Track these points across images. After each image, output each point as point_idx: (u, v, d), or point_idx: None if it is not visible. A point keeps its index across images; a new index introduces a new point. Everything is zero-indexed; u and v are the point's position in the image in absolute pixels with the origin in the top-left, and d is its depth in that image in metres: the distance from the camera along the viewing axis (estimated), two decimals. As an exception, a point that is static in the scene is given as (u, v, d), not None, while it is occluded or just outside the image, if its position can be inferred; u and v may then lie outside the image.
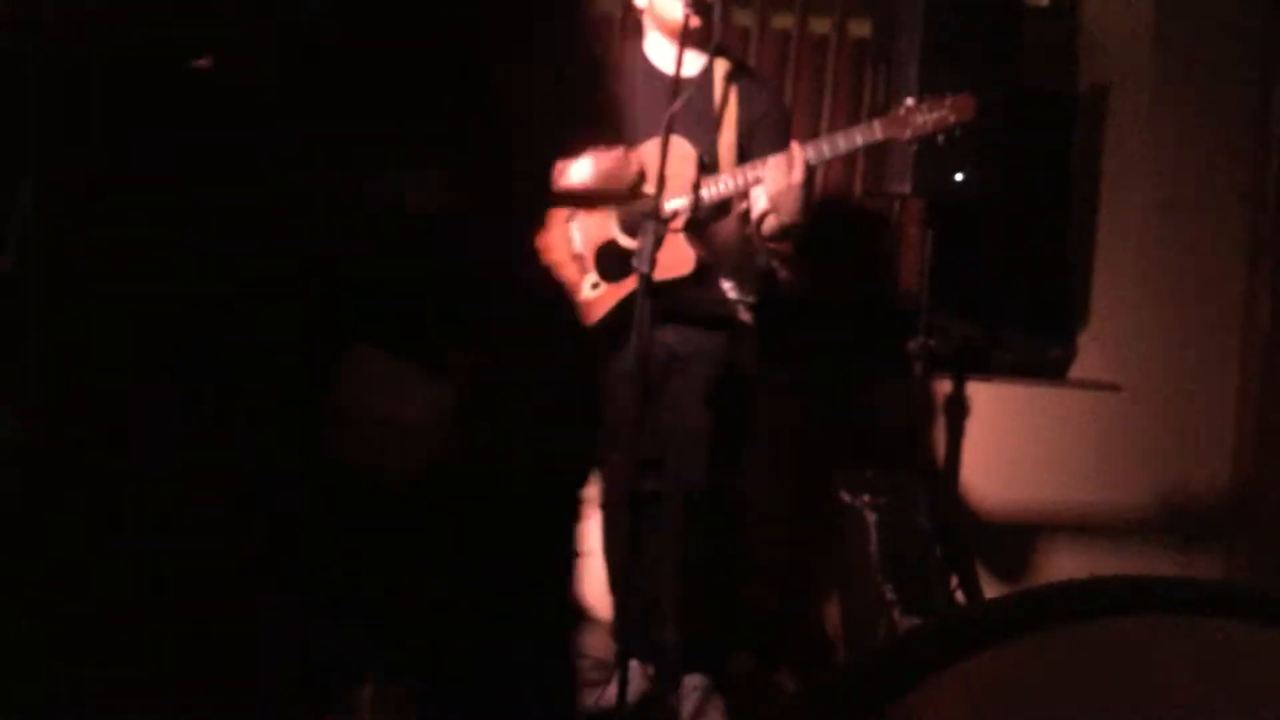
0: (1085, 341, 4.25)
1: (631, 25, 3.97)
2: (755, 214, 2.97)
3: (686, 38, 2.73)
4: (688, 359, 2.97)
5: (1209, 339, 4.01)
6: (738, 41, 4.13)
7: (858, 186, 4.22)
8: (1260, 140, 3.94)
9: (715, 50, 2.96)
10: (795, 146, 2.81)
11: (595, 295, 3.01)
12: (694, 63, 2.89)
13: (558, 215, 3.07)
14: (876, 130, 2.82)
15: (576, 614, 1.92)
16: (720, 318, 3.03)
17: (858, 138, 2.83)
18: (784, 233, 2.97)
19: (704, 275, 2.94)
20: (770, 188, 2.81)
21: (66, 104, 1.38)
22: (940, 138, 2.82)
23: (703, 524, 2.99)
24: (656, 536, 3.00)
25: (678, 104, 2.62)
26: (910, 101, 2.82)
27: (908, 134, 2.81)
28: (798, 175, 2.79)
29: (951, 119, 2.79)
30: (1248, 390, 3.96)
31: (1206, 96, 4.00)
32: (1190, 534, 3.94)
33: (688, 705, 3.02)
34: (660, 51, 3.01)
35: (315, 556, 2.04)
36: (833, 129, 4.11)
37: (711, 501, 2.99)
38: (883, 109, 3.32)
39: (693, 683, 3.05)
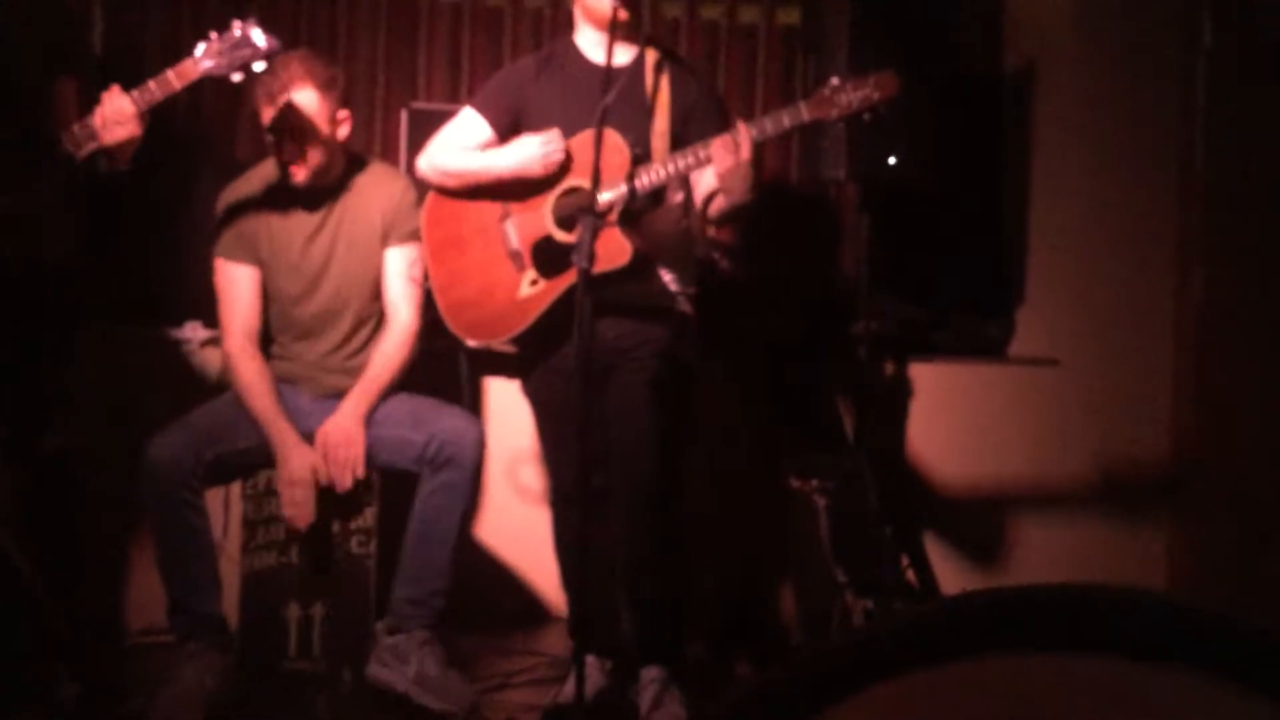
0: (1023, 318, 4.29)
1: (564, 18, 3.97)
2: (700, 196, 2.98)
3: (616, 30, 2.73)
4: (630, 352, 2.97)
5: (1144, 311, 4.07)
6: (667, 33, 4.13)
7: (794, 173, 4.24)
8: (1185, 111, 4.00)
9: (645, 41, 2.96)
10: (741, 124, 2.82)
11: (534, 292, 3.00)
12: (625, 53, 2.89)
13: (492, 214, 3.05)
14: (803, 112, 2.84)
15: None
16: (661, 309, 3.03)
17: (785, 120, 2.85)
18: (733, 213, 2.98)
19: (643, 266, 2.93)
20: (719, 166, 2.81)
21: None
22: (866, 116, 2.83)
23: (651, 516, 2.99)
24: (607, 531, 2.99)
25: (610, 96, 2.62)
26: (835, 81, 2.83)
27: (834, 113, 2.82)
28: (745, 152, 2.79)
29: (876, 96, 2.81)
30: (1183, 360, 4.02)
31: (1131, 71, 4.06)
32: (1133, 502, 4.00)
33: (646, 697, 3.02)
34: (592, 44, 3.01)
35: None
36: (763, 115, 4.13)
37: (659, 492, 2.99)
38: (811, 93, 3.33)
39: (650, 675, 3.05)
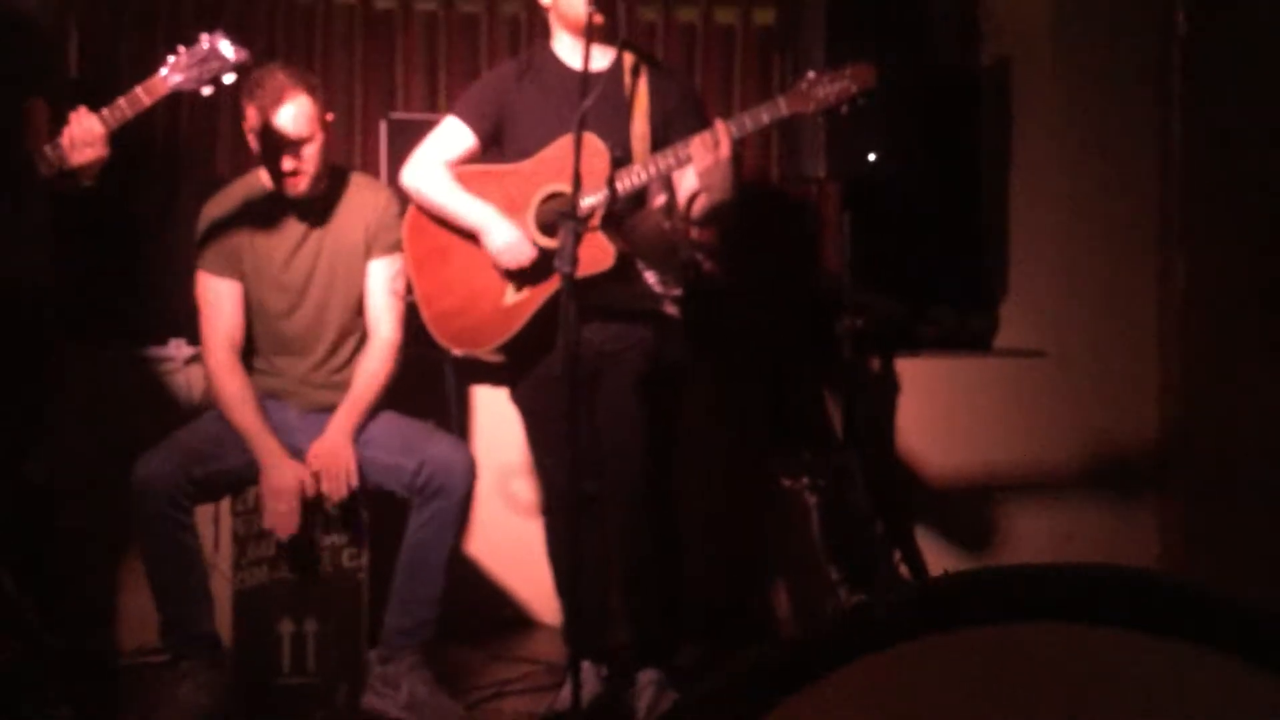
0: (1007, 311, 4.31)
1: (540, 25, 3.97)
2: (683, 197, 2.98)
3: (592, 34, 2.73)
4: (616, 355, 2.97)
5: (1128, 299, 4.09)
6: (643, 36, 4.13)
7: (775, 173, 4.25)
8: (1162, 100, 4.02)
9: (621, 44, 2.96)
10: (720, 122, 2.82)
11: (519, 299, 3.00)
12: (602, 58, 2.89)
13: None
14: (781, 106, 2.84)
15: None
16: (646, 311, 3.03)
17: (764, 115, 2.85)
18: (714, 212, 2.98)
19: (626, 269, 2.94)
20: (699, 165, 2.81)
21: None
22: (844, 109, 2.83)
23: (644, 519, 2.99)
24: (599, 535, 2.99)
25: (588, 101, 2.61)
26: (811, 75, 2.83)
27: (811, 107, 2.83)
28: (725, 150, 2.80)
29: (853, 88, 2.81)
30: (1168, 347, 4.04)
31: (1107, 61, 4.08)
32: (1122, 489, 4.01)
33: (643, 700, 3.01)
34: (569, 50, 3.01)
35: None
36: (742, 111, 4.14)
37: (651, 496, 2.99)
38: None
39: (647, 678, 3.05)
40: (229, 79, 2.79)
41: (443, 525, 3.06)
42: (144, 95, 2.73)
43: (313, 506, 3.05)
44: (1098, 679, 0.80)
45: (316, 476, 3.04)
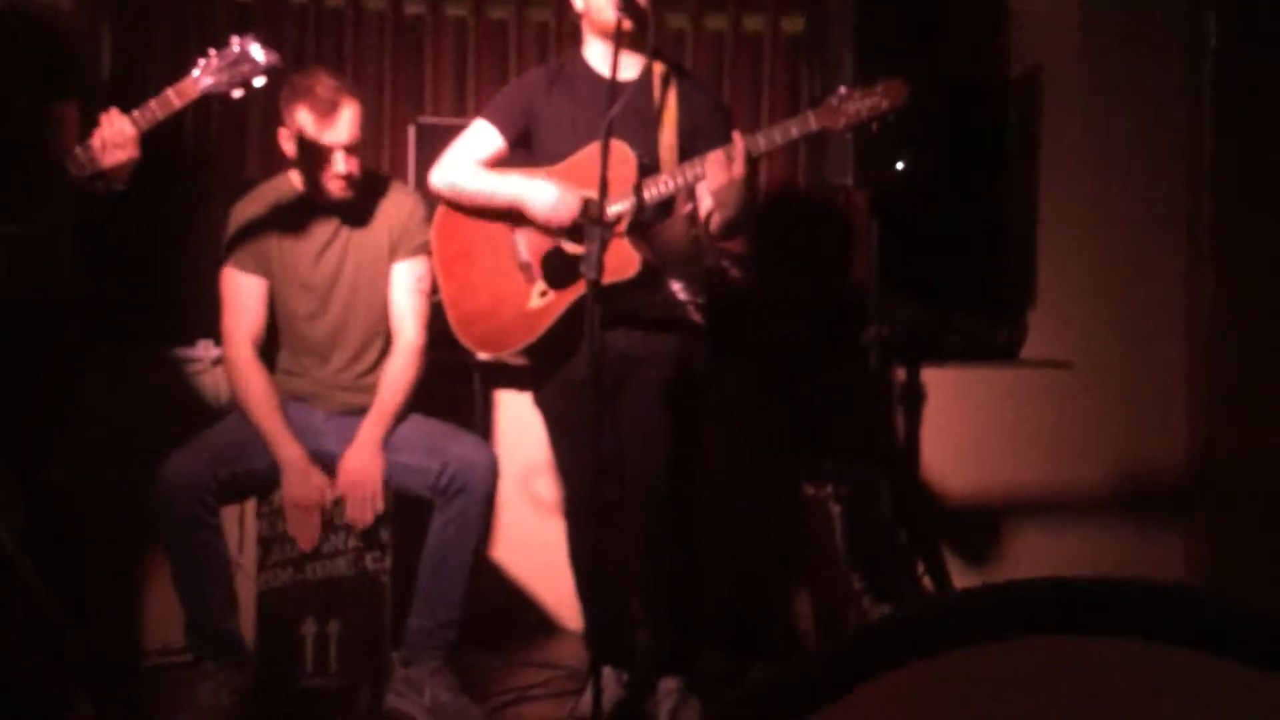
0: (1034, 321, 4.29)
1: (569, 31, 3.99)
2: (703, 212, 2.98)
3: (620, 40, 2.74)
4: (641, 362, 2.97)
5: (1155, 311, 4.06)
6: (672, 43, 4.14)
7: (801, 180, 4.24)
8: (1192, 112, 3.99)
9: (652, 53, 2.96)
10: (736, 138, 2.82)
11: (544, 303, 3.00)
12: (632, 66, 2.90)
13: (502, 226, 3.06)
14: (811, 121, 2.84)
15: None
16: (671, 319, 3.03)
17: (793, 129, 2.85)
18: (728, 229, 2.98)
19: (652, 277, 2.94)
20: (711, 183, 2.82)
21: None
22: (874, 125, 2.83)
23: (666, 526, 2.99)
24: (622, 541, 2.99)
25: (615, 108, 2.62)
26: (843, 90, 2.83)
27: (842, 122, 2.82)
28: (738, 168, 2.80)
29: (884, 105, 2.81)
30: (1196, 359, 4.01)
31: (1136, 73, 4.05)
32: (1148, 507, 3.98)
33: (664, 709, 3.01)
34: (600, 57, 3.01)
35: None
36: (771, 126, 4.13)
37: (673, 503, 2.99)
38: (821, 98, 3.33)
39: (668, 686, 3.04)
40: (259, 82, 2.81)
41: (466, 524, 3.07)
42: (175, 97, 2.75)
43: (335, 523, 3.08)
44: (1112, 690, 0.80)
45: (342, 500, 3.07)
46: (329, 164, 3.07)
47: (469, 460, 3.08)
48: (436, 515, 3.09)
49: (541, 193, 2.95)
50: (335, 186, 3.11)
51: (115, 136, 2.72)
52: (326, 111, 3.04)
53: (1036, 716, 0.80)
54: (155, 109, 2.75)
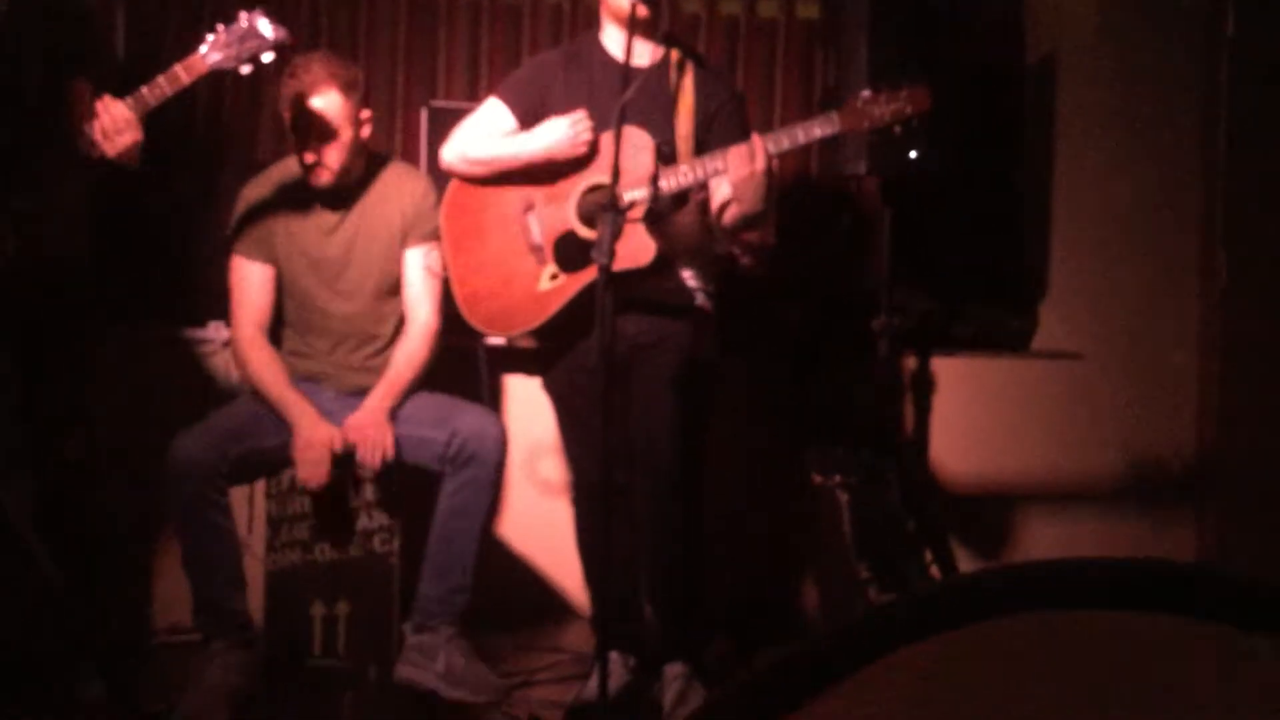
0: (1046, 311, 4.28)
1: (583, 15, 3.98)
2: (716, 204, 2.97)
3: (636, 26, 2.73)
4: (650, 349, 2.96)
5: (1167, 302, 4.05)
6: (687, 29, 4.12)
7: (814, 168, 4.23)
8: (1208, 101, 3.97)
9: (668, 41, 2.95)
10: (757, 137, 2.82)
11: (554, 286, 3.00)
12: (646, 53, 2.88)
13: (515, 206, 3.05)
14: (835, 122, 2.83)
15: None
16: (681, 306, 3.02)
17: (816, 130, 2.84)
18: (745, 222, 2.97)
19: (663, 265, 2.93)
20: (733, 176, 2.81)
21: None
22: (897, 128, 2.82)
23: (674, 512, 2.99)
24: (629, 527, 2.99)
25: (629, 93, 2.61)
26: (866, 94, 2.82)
27: (865, 125, 2.82)
28: (760, 164, 2.79)
29: (908, 110, 2.80)
30: (1208, 351, 3.99)
31: (1153, 62, 4.03)
32: (1158, 497, 3.97)
33: (669, 694, 3.02)
34: (616, 42, 3.00)
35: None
36: (785, 112, 4.12)
37: (681, 488, 2.99)
38: (837, 98, 3.31)
39: (674, 671, 3.05)
40: (268, 58, 2.80)
41: (476, 492, 3.07)
42: (183, 73, 2.74)
43: (347, 469, 3.07)
44: (1131, 663, 0.80)
45: (352, 448, 3.06)
46: (302, 150, 3.08)
47: (478, 429, 3.09)
48: (445, 485, 3.09)
49: (551, 129, 2.95)
50: (310, 174, 3.11)
51: (113, 123, 2.71)
52: (298, 97, 3.04)
53: (1033, 688, 0.81)
54: (164, 85, 2.74)
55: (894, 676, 0.81)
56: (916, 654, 0.81)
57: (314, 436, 3.04)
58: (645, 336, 2.96)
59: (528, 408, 3.67)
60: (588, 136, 2.93)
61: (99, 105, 2.72)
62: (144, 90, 2.73)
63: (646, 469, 2.96)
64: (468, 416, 3.14)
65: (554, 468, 3.75)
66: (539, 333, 3.07)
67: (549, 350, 3.13)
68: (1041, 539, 3.97)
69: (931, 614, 0.81)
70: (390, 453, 3.07)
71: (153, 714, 2.96)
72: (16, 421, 2.91)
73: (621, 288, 2.63)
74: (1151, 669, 0.80)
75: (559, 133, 2.94)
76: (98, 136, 2.71)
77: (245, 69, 2.79)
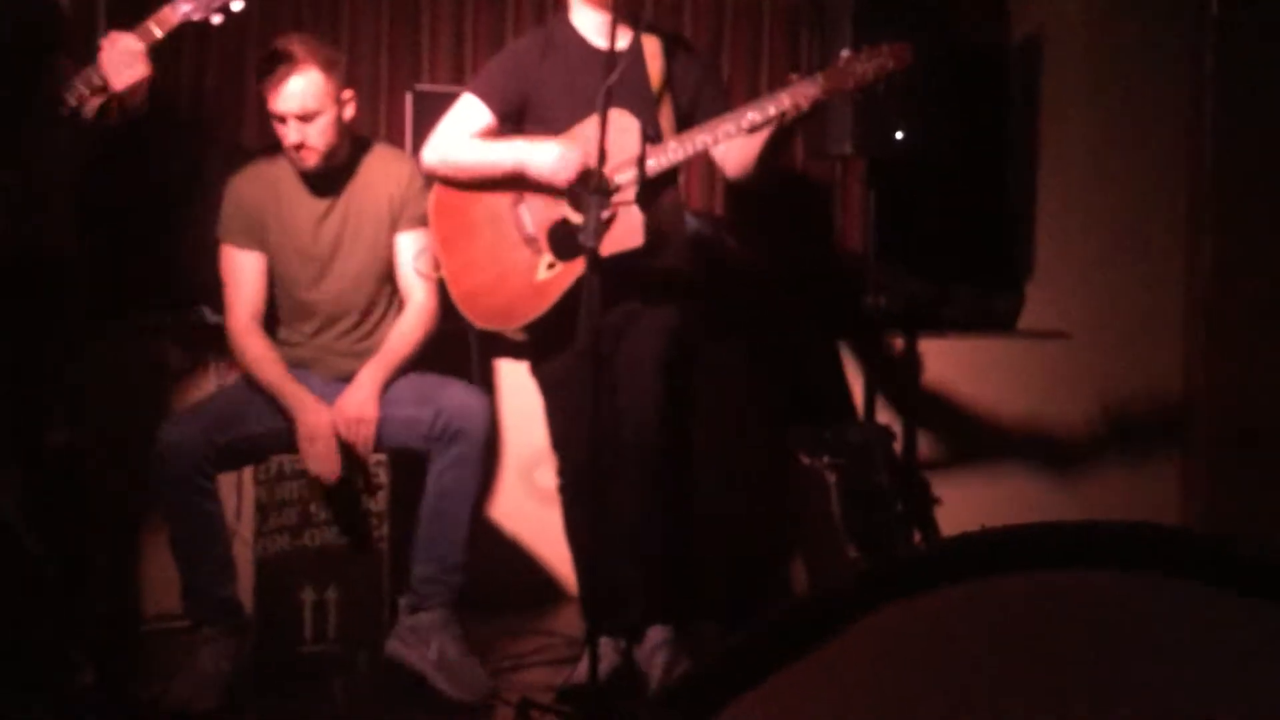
0: (1032, 291, 4.29)
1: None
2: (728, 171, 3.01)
3: (616, 9, 2.71)
4: (637, 331, 2.96)
5: (1154, 282, 4.06)
6: (669, 10, 4.11)
7: (799, 151, 4.22)
8: (1194, 80, 3.98)
9: (633, 20, 2.93)
10: (742, 107, 2.83)
11: (552, 275, 2.99)
12: (622, 36, 2.87)
13: (504, 200, 3.04)
14: (819, 82, 2.81)
15: None
16: (666, 286, 3.02)
17: (801, 93, 2.82)
18: (739, 183, 3.01)
19: (652, 246, 2.93)
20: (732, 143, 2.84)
21: None
22: (881, 86, 2.81)
23: (661, 495, 2.99)
24: (616, 510, 3.00)
25: (614, 76, 2.60)
26: (847, 53, 2.81)
27: (850, 84, 2.80)
28: (748, 126, 2.81)
29: (891, 64, 2.79)
30: (1193, 331, 4.01)
31: (1138, 41, 4.04)
32: (1144, 477, 3.99)
33: (656, 665, 3.01)
34: (589, 25, 2.99)
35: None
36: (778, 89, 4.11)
37: (665, 459, 2.99)
38: (821, 65, 3.32)
39: (656, 635, 3.05)
40: (237, 6, 2.76)
41: (465, 469, 3.06)
42: (155, 27, 2.71)
43: (350, 455, 3.07)
44: (1131, 625, 0.81)
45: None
46: (284, 134, 3.07)
47: (463, 405, 3.08)
48: (433, 464, 3.08)
49: (542, 153, 2.93)
50: (295, 157, 3.10)
51: (122, 55, 2.66)
52: (276, 80, 3.02)
53: (1053, 646, 0.81)
54: (153, 30, 2.71)
55: (872, 640, 0.81)
56: (896, 615, 0.81)
57: (317, 424, 3.03)
58: (632, 319, 2.96)
59: (519, 389, 3.64)
60: (570, 177, 2.90)
61: (104, 41, 2.69)
62: (149, 21, 2.70)
63: (632, 451, 2.96)
64: (452, 393, 3.13)
65: (550, 476, 3.70)
66: (538, 323, 3.05)
67: (541, 337, 3.13)
68: (1028, 518, 3.97)
69: (915, 574, 0.82)
70: (369, 448, 3.06)
71: (144, 701, 2.96)
72: (2, 411, 2.90)
73: (619, 271, 2.63)
74: (1129, 630, 0.81)
75: (548, 158, 2.91)
76: (105, 69, 2.67)
77: (216, 19, 2.74)
